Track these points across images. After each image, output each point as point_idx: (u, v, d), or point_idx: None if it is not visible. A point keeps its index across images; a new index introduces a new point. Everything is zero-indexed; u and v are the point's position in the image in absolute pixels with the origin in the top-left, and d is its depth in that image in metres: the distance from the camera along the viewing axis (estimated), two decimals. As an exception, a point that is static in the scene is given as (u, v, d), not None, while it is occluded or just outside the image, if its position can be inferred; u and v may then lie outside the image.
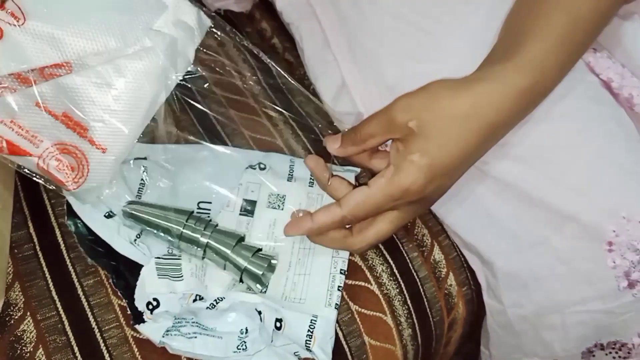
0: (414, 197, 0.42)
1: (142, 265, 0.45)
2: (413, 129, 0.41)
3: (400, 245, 0.54)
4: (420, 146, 0.41)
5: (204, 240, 0.45)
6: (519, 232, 0.50)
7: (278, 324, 0.45)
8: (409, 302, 0.52)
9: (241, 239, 0.47)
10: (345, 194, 0.44)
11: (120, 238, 0.46)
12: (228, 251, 0.46)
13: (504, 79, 0.41)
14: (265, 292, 0.47)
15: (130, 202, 0.47)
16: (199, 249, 0.46)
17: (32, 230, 0.47)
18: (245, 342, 0.44)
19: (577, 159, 0.47)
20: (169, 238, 0.46)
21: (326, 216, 0.44)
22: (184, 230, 0.45)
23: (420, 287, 0.53)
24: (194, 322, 0.44)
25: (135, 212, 0.46)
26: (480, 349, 0.61)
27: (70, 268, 0.46)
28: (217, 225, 0.47)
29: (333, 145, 0.46)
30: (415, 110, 0.41)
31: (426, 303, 0.53)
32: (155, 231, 0.46)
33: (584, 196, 0.46)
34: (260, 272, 0.45)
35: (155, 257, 0.45)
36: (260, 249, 0.47)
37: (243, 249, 0.46)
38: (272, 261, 0.47)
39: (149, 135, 0.50)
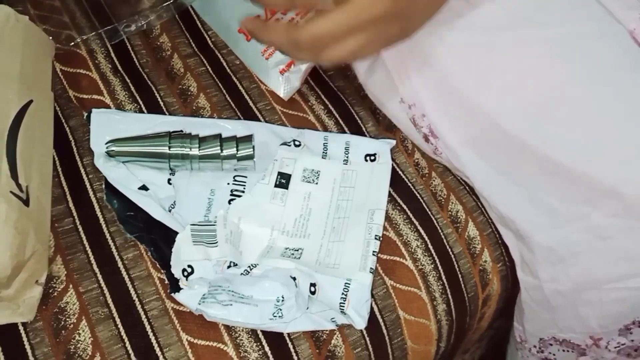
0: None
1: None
2: None
3: (435, 221, 0.53)
4: None
5: (194, 152, 0.49)
6: (558, 207, 0.49)
7: (312, 289, 0.45)
8: (443, 277, 0.52)
9: (219, 135, 0.50)
10: None
11: (157, 206, 0.47)
12: (218, 151, 0.49)
13: None
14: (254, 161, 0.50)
15: (110, 142, 0.49)
16: (192, 160, 0.49)
17: (71, 204, 0.48)
18: (281, 310, 0.44)
19: (623, 134, 0.46)
20: (159, 161, 0.49)
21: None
22: (172, 150, 0.48)
23: (455, 263, 0.53)
24: (229, 290, 0.45)
25: (119, 149, 0.48)
26: (514, 324, 0.61)
27: (110, 242, 0.47)
28: (197, 135, 0.50)
29: None
30: None
31: (461, 279, 0.53)
32: (144, 159, 0.49)
33: (627, 172, 0.45)
34: (252, 151, 0.49)
35: (191, 224, 0.46)
36: (237, 137, 0.50)
37: (226, 143, 0.49)
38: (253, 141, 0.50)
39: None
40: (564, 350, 0.58)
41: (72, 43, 0.55)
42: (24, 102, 0.44)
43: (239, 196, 0.50)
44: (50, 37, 0.54)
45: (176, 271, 0.44)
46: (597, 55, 0.48)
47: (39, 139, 0.46)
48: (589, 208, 0.48)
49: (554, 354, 0.60)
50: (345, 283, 0.45)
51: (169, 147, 0.48)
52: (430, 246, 0.52)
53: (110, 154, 0.48)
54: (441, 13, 0.50)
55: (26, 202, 0.41)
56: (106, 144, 0.48)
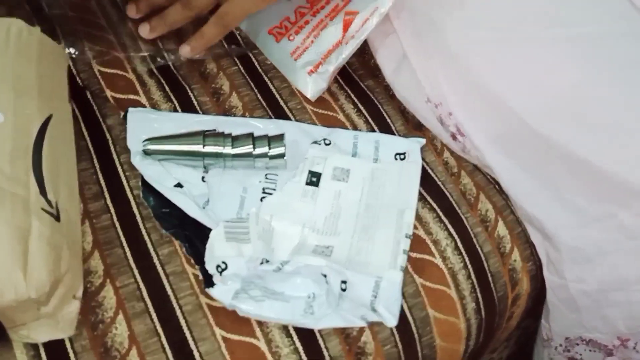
0: None
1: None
2: None
3: (465, 220, 0.54)
4: None
5: (227, 151, 0.50)
6: (586, 206, 0.49)
7: (343, 286, 0.46)
8: (473, 276, 0.52)
9: (252, 134, 0.51)
10: None
11: (192, 203, 0.48)
12: (251, 150, 0.50)
13: None
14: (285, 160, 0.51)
15: (146, 140, 0.50)
16: (226, 158, 0.50)
17: (109, 201, 0.49)
18: (312, 306, 0.45)
19: None
20: (193, 159, 0.50)
21: None
22: (206, 149, 0.50)
23: (484, 261, 0.53)
24: (261, 286, 0.46)
25: (155, 148, 0.50)
26: (541, 322, 0.61)
27: (146, 237, 0.48)
28: (230, 134, 0.51)
29: None
30: None
31: (490, 278, 0.53)
32: (179, 157, 0.50)
33: None
34: (283, 150, 0.50)
35: (224, 221, 0.47)
36: (269, 136, 0.51)
37: (258, 141, 0.50)
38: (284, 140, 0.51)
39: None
40: (590, 350, 0.58)
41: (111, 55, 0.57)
42: (44, 117, 0.44)
43: (271, 194, 0.51)
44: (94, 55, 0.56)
45: (210, 267, 0.45)
46: (626, 54, 0.47)
47: (62, 152, 0.46)
48: (617, 207, 0.47)
49: (580, 354, 0.59)
50: (376, 281, 0.46)
51: (203, 146, 0.49)
52: (460, 245, 0.52)
53: (146, 152, 0.49)
54: (467, 10, 0.50)
55: (57, 218, 0.41)
56: (143, 142, 0.49)
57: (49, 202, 0.40)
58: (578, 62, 0.47)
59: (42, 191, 0.40)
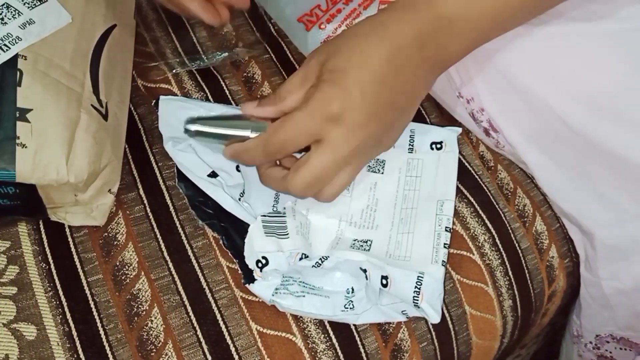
0: (335, 109, 0.40)
1: (247, 227, 0.46)
2: (327, 67, 0.40)
3: (502, 215, 0.52)
4: (332, 64, 0.41)
5: None
6: (624, 203, 0.48)
7: (384, 282, 0.45)
8: (510, 273, 0.51)
9: None
10: None
11: (226, 196, 0.47)
12: None
13: (411, 8, 0.41)
14: None
15: (189, 121, 0.45)
16: None
17: (142, 192, 0.48)
18: (352, 302, 0.44)
19: None
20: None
21: (251, 143, 0.43)
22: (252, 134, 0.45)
23: (522, 258, 0.52)
24: (300, 281, 0.45)
25: (199, 130, 0.45)
26: (572, 318, 0.60)
27: (180, 230, 0.47)
28: None
29: (249, 106, 0.44)
30: (327, 50, 0.41)
31: (527, 275, 0.52)
32: (223, 141, 0.46)
33: None
34: None
35: (262, 215, 0.46)
36: None
37: None
38: None
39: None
40: (621, 349, 0.57)
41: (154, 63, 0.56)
42: (108, 25, 0.48)
43: (305, 186, 0.50)
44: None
45: (250, 262, 0.44)
46: None
47: (120, 61, 0.50)
48: None
49: (610, 352, 0.59)
50: (418, 276, 0.45)
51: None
52: (497, 241, 0.51)
53: (189, 133, 0.45)
54: None
55: (105, 117, 0.45)
56: (186, 124, 0.45)
57: (99, 102, 0.45)
58: (617, 57, 0.46)
59: (96, 91, 0.45)
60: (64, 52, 0.44)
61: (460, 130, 0.54)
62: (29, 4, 0.45)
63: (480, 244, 0.50)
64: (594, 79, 0.46)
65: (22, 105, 0.42)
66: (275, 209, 0.48)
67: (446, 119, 0.58)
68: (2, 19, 0.44)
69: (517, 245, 0.52)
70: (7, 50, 0.43)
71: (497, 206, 0.53)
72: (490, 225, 0.51)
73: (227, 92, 0.55)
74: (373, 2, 0.56)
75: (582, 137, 0.47)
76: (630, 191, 0.47)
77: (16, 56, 0.43)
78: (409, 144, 0.53)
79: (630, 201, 0.48)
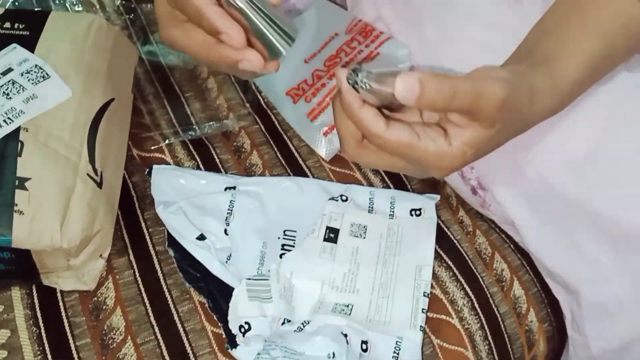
0: (492, 107, 0.37)
1: (232, 290, 0.47)
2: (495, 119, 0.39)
3: (481, 280, 0.54)
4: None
5: None
6: (606, 261, 0.49)
7: (364, 346, 0.46)
8: (489, 337, 0.52)
9: None
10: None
11: (213, 259, 0.49)
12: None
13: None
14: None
15: None
16: None
17: (132, 257, 0.50)
18: None
19: None
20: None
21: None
22: None
23: (501, 322, 0.53)
24: (283, 346, 0.46)
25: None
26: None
27: (167, 294, 0.49)
28: None
29: (413, 85, 0.34)
30: (503, 110, 0.38)
31: (507, 339, 0.53)
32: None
33: None
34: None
35: (246, 279, 0.48)
36: None
37: None
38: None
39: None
40: None
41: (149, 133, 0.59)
42: (107, 98, 0.51)
43: (290, 250, 0.52)
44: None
45: (234, 327, 0.45)
46: None
47: (116, 132, 0.52)
48: (636, 262, 0.48)
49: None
50: (397, 341, 0.46)
51: None
52: (476, 305, 0.52)
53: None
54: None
55: (99, 185, 0.48)
56: None
57: (95, 170, 0.48)
58: (597, 123, 0.48)
59: (92, 160, 0.47)
60: (63, 124, 0.47)
61: (438, 197, 0.56)
62: (33, 80, 0.48)
63: (459, 308, 0.52)
64: (575, 145, 0.49)
65: (21, 175, 0.44)
66: (260, 272, 0.49)
67: (427, 185, 0.60)
68: (8, 94, 0.47)
69: (495, 309, 0.53)
70: (10, 123, 0.46)
71: (475, 270, 0.54)
72: (468, 290, 0.53)
73: (217, 160, 0.58)
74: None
75: (566, 197, 0.49)
76: (611, 248, 0.49)
77: (18, 128, 0.46)
78: (390, 210, 0.55)
79: (612, 259, 0.49)
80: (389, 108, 0.40)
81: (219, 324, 0.47)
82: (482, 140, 0.38)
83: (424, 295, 0.50)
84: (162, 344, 0.47)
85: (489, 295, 0.53)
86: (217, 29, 0.39)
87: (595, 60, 0.44)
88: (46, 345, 0.45)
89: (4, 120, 0.46)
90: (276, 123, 0.62)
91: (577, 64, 0.43)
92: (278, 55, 0.41)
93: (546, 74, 0.42)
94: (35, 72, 0.49)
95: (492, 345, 0.52)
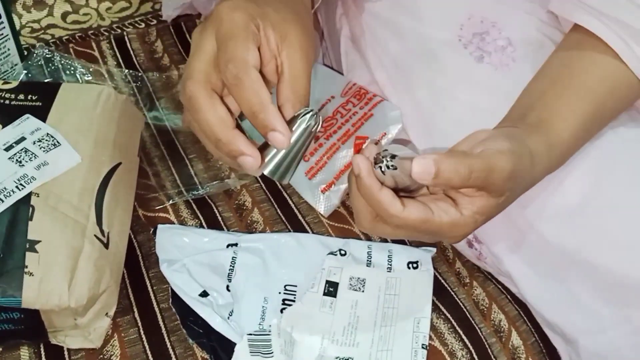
0: (499, 179, 0.39)
1: (234, 346, 0.48)
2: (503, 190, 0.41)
3: (479, 331, 0.55)
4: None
5: None
6: (602, 310, 0.50)
7: None
8: (490, 388, 0.52)
9: None
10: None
11: (215, 315, 0.50)
12: None
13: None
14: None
15: None
16: None
17: (136, 314, 0.52)
18: None
19: None
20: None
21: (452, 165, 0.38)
22: None
23: (500, 373, 0.53)
24: None
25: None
26: None
27: (171, 351, 0.50)
28: None
29: (428, 167, 0.37)
30: (510, 180, 0.40)
31: (507, 389, 0.53)
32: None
33: None
34: None
35: (247, 334, 0.49)
36: None
37: None
38: None
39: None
40: None
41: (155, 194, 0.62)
42: (114, 163, 0.54)
43: (290, 305, 0.53)
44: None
45: None
46: (636, 158, 0.50)
47: (122, 194, 0.55)
48: (632, 310, 0.48)
49: None
50: None
51: None
52: (475, 356, 0.53)
53: None
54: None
55: (106, 245, 0.49)
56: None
57: (102, 232, 0.50)
58: (586, 175, 0.50)
59: (99, 222, 0.50)
60: (72, 189, 0.50)
61: (434, 250, 0.58)
62: (44, 148, 0.51)
63: (458, 360, 0.53)
64: (566, 195, 0.50)
65: (32, 237, 0.46)
66: (261, 327, 0.51)
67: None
68: (20, 161, 0.50)
69: (495, 360, 0.54)
70: (22, 189, 0.48)
71: (473, 322, 0.55)
72: (467, 341, 0.54)
73: (219, 218, 0.60)
74: (350, 137, 0.62)
75: (558, 247, 0.50)
76: (606, 298, 0.50)
77: (30, 193, 0.48)
78: (388, 264, 0.57)
79: (607, 308, 0.50)
80: (404, 190, 0.42)
81: (221, 380, 0.48)
82: (492, 207, 0.41)
83: (423, 347, 0.51)
84: (165, 401, 0.47)
85: (487, 346, 0.54)
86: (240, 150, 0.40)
87: (586, 122, 0.47)
88: (52, 405, 0.46)
89: (17, 187, 0.48)
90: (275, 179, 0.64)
91: (571, 127, 0.46)
92: (264, 170, 0.43)
93: (542, 137, 0.45)
94: (46, 140, 0.52)
95: (493, 396, 0.52)
